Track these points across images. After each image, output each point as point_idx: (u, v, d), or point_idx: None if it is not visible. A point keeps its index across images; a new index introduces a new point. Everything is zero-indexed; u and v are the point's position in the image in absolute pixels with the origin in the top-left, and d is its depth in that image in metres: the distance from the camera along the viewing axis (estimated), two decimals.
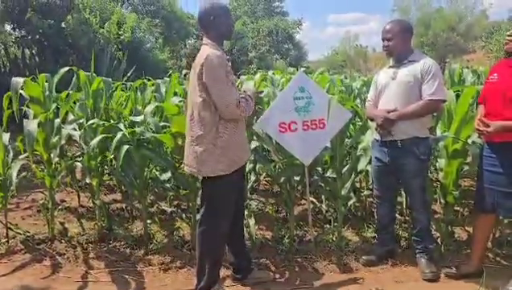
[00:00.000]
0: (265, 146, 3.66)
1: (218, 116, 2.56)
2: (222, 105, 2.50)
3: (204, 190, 2.76)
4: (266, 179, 4.80)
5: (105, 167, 4.16)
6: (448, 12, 28.27)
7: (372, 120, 3.21)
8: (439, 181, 3.58)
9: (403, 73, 2.99)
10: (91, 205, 4.39)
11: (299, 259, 3.35)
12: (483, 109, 2.79)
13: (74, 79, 4.29)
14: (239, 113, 2.56)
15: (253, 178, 3.96)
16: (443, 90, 2.95)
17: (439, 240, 3.48)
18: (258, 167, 4.00)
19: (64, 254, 3.50)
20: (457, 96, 3.56)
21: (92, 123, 3.67)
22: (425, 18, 28.03)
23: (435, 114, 3.36)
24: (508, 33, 2.67)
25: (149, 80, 5.73)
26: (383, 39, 3.09)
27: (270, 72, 5.80)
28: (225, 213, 2.70)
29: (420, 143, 2.99)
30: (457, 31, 27.58)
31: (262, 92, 3.30)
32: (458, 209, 3.86)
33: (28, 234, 3.83)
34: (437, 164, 3.63)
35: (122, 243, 3.65)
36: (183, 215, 3.82)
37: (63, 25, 12.24)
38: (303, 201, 4.44)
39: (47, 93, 3.86)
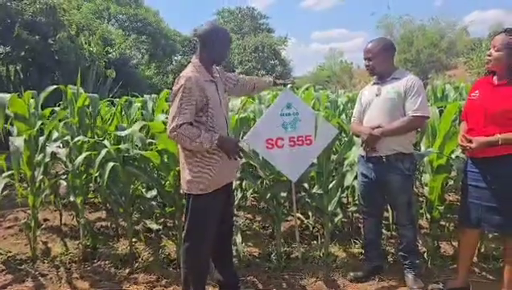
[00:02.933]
0: (251, 162, 3.66)
1: None
2: (167, 127, 2.51)
3: (187, 207, 2.71)
4: (253, 195, 4.79)
5: (90, 184, 4.11)
6: (430, 29, 28.89)
7: (358, 136, 3.24)
8: (424, 196, 3.62)
9: (387, 90, 3.03)
10: (75, 223, 4.32)
11: (286, 276, 3.32)
12: (465, 125, 2.84)
13: (63, 98, 4.26)
14: (173, 137, 2.47)
15: (239, 195, 3.95)
16: (426, 107, 2.99)
17: (425, 255, 3.49)
18: (244, 183, 3.99)
19: (47, 274, 3.42)
20: (440, 112, 3.63)
21: (78, 140, 3.64)
22: (408, 35, 28.59)
23: (419, 130, 3.41)
24: (488, 52, 2.73)
25: (136, 96, 5.71)
26: (365, 58, 3.13)
27: None
28: (208, 230, 2.66)
29: (405, 159, 3.02)
30: (439, 48, 28.19)
31: None
32: (444, 223, 3.89)
33: (10, 253, 3.75)
34: (422, 179, 3.67)
35: (107, 262, 3.59)
36: (170, 233, 3.78)
37: (50, 41, 12.21)
38: (290, 218, 4.43)
39: (33, 110, 3.83)
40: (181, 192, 2.77)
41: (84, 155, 3.51)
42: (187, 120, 2.46)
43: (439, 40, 28.16)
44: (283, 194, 3.67)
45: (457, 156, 3.34)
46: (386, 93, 3.04)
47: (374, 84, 3.18)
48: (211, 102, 2.55)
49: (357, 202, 3.80)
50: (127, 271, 3.45)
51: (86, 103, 3.86)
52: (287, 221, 4.40)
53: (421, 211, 3.77)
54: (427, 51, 27.45)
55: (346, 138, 3.70)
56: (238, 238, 3.47)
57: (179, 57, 30.61)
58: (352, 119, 3.35)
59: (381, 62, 3.07)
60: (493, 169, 2.67)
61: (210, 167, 2.59)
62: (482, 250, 3.52)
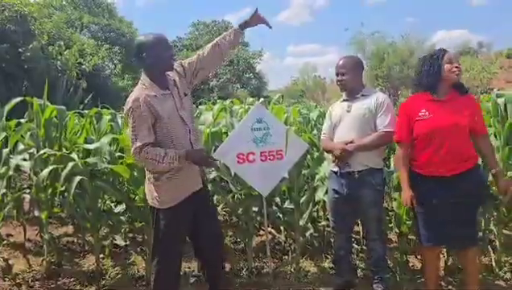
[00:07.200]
0: (223, 176, 3.64)
1: None
2: (131, 149, 2.51)
3: (152, 221, 2.66)
4: (225, 210, 4.75)
5: (56, 198, 3.98)
6: (400, 46, 29.65)
7: (328, 152, 3.26)
8: (393, 211, 3.67)
9: (358, 107, 3.08)
10: (39, 239, 4.17)
11: None
12: (406, 149, 2.84)
13: (29, 109, 4.14)
14: (139, 161, 2.55)
15: None
16: (395, 123, 3.05)
17: (394, 269, 3.53)
18: (216, 198, 3.96)
19: None
20: None
21: (43, 153, 3.53)
22: (379, 52, 29.23)
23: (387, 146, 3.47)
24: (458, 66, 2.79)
25: (107, 108, 5.60)
26: (337, 74, 3.18)
27: (228, 101, 5.85)
28: (171, 245, 2.61)
29: (376, 174, 3.07)
30: (409, 65, 28.93)
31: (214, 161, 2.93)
32: (412, 237, 3.94)
33: None
34: (391, 194, 3.73)
35: (72, 280, 3.49)
36: (138, 249, 3.70)
37: (19, 50, 11.91)
38: (261, 232, 4.41)
39: None
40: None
41: (50, 168, 3.41)
42: (146, 141, 2.45)
43: (408, 57, 28.92)
44: (255, 209, 3.65)
45: None
46: (356, 109, 3.08)
47: (344, 100, 3.22)
48: (164, 116, 2.50)
49: (328, 217, 3.82)
50: (93, 288, 3.36)
51: (53, 115, 3.76)
52: (259, 235, 4.38)
53: (390, 225, 3.82)
54: (398, 67, 28.12)
55: (317, 153, 3.72)
56: None
57: None
58: (322, 135, 3.38)
59: (354, 78, 3.13)
60: (458, 185, 2.70)
61: (172, 181, 2.55)
62: (449, 263, 3.58)
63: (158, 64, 2.55)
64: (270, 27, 2.97)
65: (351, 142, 3.02)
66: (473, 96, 2.93)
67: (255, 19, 2.88)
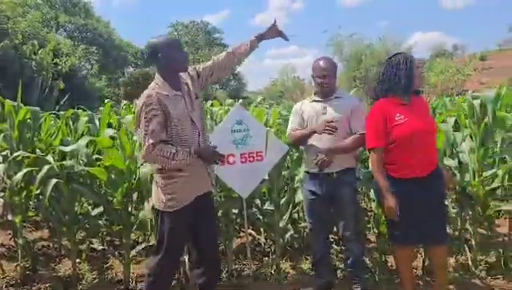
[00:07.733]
0: None
1: None
2: (142, 147, 2.48)
3: (156, 222, 2.68)
4: None
5: (31, 202, 3.88)
6: (377, 48, 30.06)
7: (300, 144, 3.26)
8: (372, 211, 3.71)
9: (333, 109, 3.09)
10: (13, 244, 4.06)
11: None
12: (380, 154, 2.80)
13: (0, 110, 4.02)
14: (151, 159, 2.49)
15: None
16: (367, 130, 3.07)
17: (373, 269, 3.56)
18: None
19: None
20: None
21: (18, 155, 3.44)
22: (357, 54, 29.58)
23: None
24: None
25: (83, 109, 5.50)
26: (320, 76, 3.12)
27: (208, 103, 5.82)
28: (174, 246, 2.62)
29: (349, 173, 3.11)
30: None
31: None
32: None
33: None
34: (370, 195, 3.76)
35: (48, 285, 3.41)
36: (116, 252, 3.64)
37: None
38: (241, 234, 4.40)
39: None
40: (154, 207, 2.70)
41: (24, 171, 3.32)
42: (158, 138, 2.44)
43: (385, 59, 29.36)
44: (235, 211, 3.64)
45: None
46: (332, 111, 3.09)
47: (315, 101, 3.20)
48: (174, 117, 2.50)
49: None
50: None
51: (27, 116, 3.67)
52: (239, 237, 4.36)
53: (368, 225, 3.86)
54: (375, 69, 28.50)
55: (297, 155, 3.73)
56: (185, 257, 3.39)
57: (132, 69, 30.05)
58: (291, 132, 3.29)
59: (334, 80, 3.16)
60: (432, 184, 2.75)
61: (179, 185, 2.54)
62: (426, 263, 3.63)
63: (173, 64, 2.59)
64: (288, 40, 3.02)
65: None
66: (423, 97, 3.08)
67: (272, 32, 2.94)
